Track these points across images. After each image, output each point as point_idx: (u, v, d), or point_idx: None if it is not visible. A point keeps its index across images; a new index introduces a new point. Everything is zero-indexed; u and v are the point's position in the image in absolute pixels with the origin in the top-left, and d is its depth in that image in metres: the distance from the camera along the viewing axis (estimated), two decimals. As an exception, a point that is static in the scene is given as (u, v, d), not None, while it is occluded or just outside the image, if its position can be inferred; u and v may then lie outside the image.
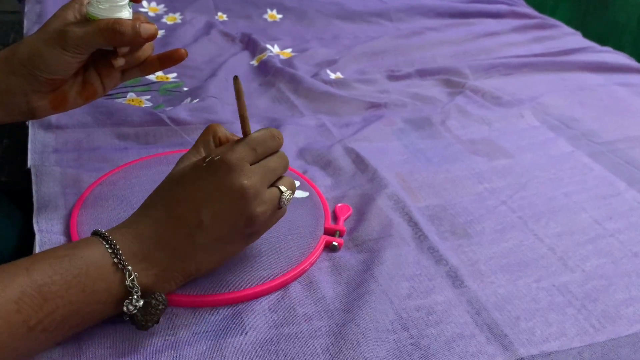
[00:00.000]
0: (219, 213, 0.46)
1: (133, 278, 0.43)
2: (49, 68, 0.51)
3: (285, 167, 0.50)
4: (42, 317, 0.40)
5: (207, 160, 0.47)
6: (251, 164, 0.47)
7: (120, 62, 0.54)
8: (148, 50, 0.56)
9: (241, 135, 0.50)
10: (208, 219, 0.46)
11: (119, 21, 0.50)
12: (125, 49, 0.54)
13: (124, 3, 0.51)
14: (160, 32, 1.05)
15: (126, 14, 0.52)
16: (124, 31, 0.50)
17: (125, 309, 0.43)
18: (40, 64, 0.50)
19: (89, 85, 0.56)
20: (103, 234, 0.45)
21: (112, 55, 0.54)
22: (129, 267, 0.44)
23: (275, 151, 0.50)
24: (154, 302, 0.44)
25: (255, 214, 0.46)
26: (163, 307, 0.44)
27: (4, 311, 0.38)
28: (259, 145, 0.48)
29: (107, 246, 0.44)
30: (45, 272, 0.41)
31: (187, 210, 0.46)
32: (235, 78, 0.48)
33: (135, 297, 0.43)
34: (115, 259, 0.43)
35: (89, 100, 0.57)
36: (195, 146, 0.50)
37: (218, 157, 0.47)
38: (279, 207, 0.49)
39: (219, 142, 0.51)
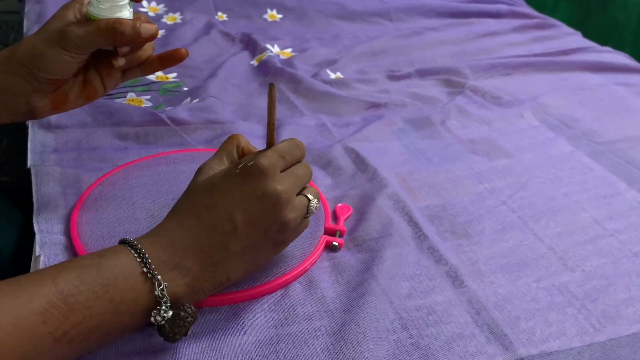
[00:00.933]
0: (253, 218, 0.45)
1: (163, 288, 0.42)
2: (49, 68, 0.51)
3: (310, 175, 0.51)
4: (68, 328, 0.39)
5: (240, 166, 0.46)
6: (281, 172, 0.47)
7: (120, 62, 0.54)
8: (149, 50, 0.56)
9: (256, 146, 0.50)
10: (242, 224, 0.45)
11: (119, 21, 0.50)
12: (125, 49, 0.54)
13: (124, 3, 0.51)
14: (160, 32, 1.05)
15: (126, 13, 0.52)
16: (124, 31, 0.50)
17: (152, 319, 0.42)
18: (40, 64, 0.50)
19: (90, 85, 0.56)
20: (131, 242, 0.44)
21: (113, 55, 0.54)
22: (159, 277, 0.42)
23: (299, 160, 0.50)
24: (182, 314, 0.43)
25: (288, 219, 0.46)
26: (192, 319, 0.43)
27: (30, 323, 0.37)
28: (287, 154, 0.48)
29: (135, 255, 0.43)
30: (72, 282, 0.40)
31: (221, 217, 0.45)
32: (272, 85, 0.48)
33: (164, 307, 0.42)
34: (144, 268, 0.42)
35: (90, 100, 0.57)
36: (218, 155, 0.50)
37: (252, 162, 0.46)
38: (306, 215, 0.49)
39: (242, 153, 0.51)
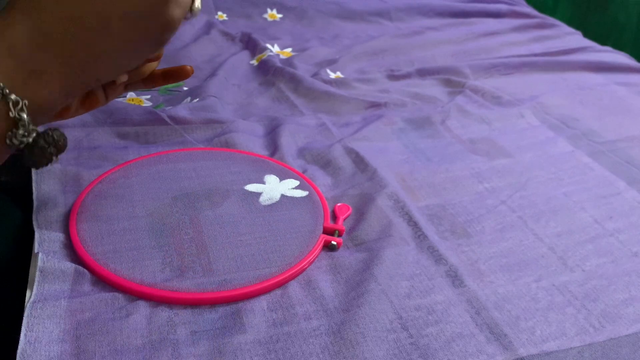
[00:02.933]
0: (131, 14, 0.38)
1: (22, 106, 0.36)
2: None
3: None
4: None
5: None
6: None
7: (123, 78, 0.53)
8: (153, 65, 0.55)
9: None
10: (116, 21, 0.38)
11: None
12: None
13: None
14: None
15: None
16: None
17: (8, 141, 0.37)
18: None
19: (91, 95, 0.54)
20: None
21: None
22: (12, 97, 0.36)
23: None
24: (41, 142, 0.38)
25: (173, 17, 0.41)
26: (55, 149, 0.39)
27: None
28: None
29: None
30: None
31: (90, 9, 0.38)
32: None
33: (20, 131, 0.37)
34: None
35: (90, 109, 0.55)
36: None
37: None
38: (187, 17, 0.43)
39: None
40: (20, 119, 0.37)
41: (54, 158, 0.39)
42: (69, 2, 0.37)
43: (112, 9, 0.38)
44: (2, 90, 0.36)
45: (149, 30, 0.40)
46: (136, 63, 0.44)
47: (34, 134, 0.37)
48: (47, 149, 0.39)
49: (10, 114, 0.36)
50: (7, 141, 0.37)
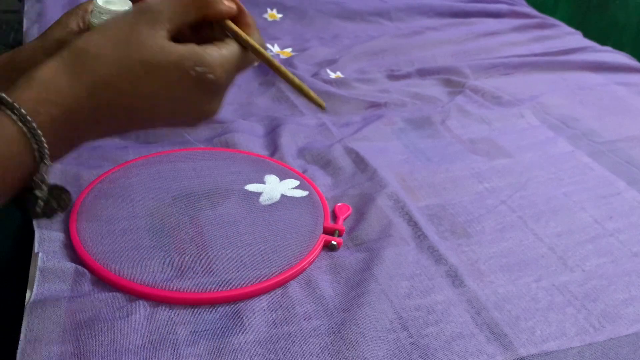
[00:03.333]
0: (175, 117, 0.42)
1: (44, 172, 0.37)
2: None
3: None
4: None
5: (196, 69, 0.40)
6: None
7: None
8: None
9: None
10: (161, 125, 0.42)
11: None
12: None
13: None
14: (160, 31, 1.05)
15: None
16: None
17: (33, 183, 0.38)
18: None
19: None
20: (8, 102, 0.37)
21: None
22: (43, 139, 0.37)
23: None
24: (54, 203, 0.39)
25: (212, 111, 0.43)
26: (60, 207, 0.40)
27: None
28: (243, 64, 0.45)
29: (27, 134, 0.36)
30: None
31: (143, 117, 0.41)
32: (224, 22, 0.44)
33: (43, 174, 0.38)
34: (36, 153, 0.37)
35: None
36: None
37: (211, 75, 0.41)
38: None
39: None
40: (43, 160, 0.37)
41: (56, 214, 0.41)
42: (129, 99, 0.39)
43: (163, 117, 0.41)
44: (34, 131, 0.36)
45: (189, 117, 0.43)
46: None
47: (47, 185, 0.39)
48: (53, 202, 0.40)
49: (36, 154, 0.37)
50: (32, 183, 0.38)
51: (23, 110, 0.36)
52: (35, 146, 0.37)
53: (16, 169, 0.37)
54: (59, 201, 0.40)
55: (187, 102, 0.41)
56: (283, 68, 0.46)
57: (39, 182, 0.38)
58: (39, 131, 0.36)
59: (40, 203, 0.39)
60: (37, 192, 0.38)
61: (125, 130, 0.42)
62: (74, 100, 0.38)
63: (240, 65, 0.44)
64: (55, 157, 0.38)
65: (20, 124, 0.36)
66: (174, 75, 0.39)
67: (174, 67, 0.39)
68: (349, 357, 0.46)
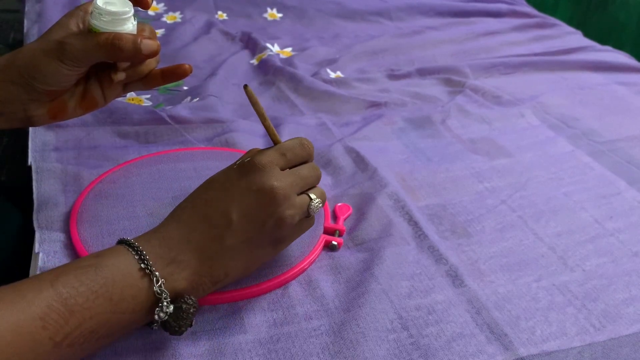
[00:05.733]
0: (248, 213, 0.46)
1: (161, 284, 0.42)
2: (47, 80, 0.49)
3: (318, 178, 0.51)
4: (69, 331, 0.38)
5: (237, 163, 0.48)
6: (282, 169, 0.48)
7: (120, 76, 0.53)
8: (152, 64, 0.55)
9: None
10: (237, 219, 0.45)
11: (118, 36, 0.48)
12: (125, 64, 0.53)
13: (127, 16, 0.49)
14: (160, 31, 1.05)
15: (129, 26, 0.50)
16: (124, 47, 0.48)
17: (156, 316, 0.42)
18: (38, 75, 0.49)
19: (90, 95, 0.54)
20: (128, 241, 0.44)
21: (113, 68, 0.53)
22: (157, 273, 0.42)
23: (305, 160, 0.50)
24: (184, 305, 0.43)
25: (284, 216, 0.46)
26: (194, 309, 0.43)
27: (30, 329, 0.37)
28: (288, 152, 0.49)
29: (132, 252, 0.43)
30: (70, 284, 0.39)
31: (216, 210, 0.46)
32: (245, 86, 0.48)
33: (164, 303, 0.42)
34: (142, 265, 0.42)
35: (89, 110, 0.55)
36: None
37: (248, 159, 0.47)
38: (307, 215, 0.49)
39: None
40: (162, 292, 0.42)
41: (193, 318, 0.44)
42: (201, 204, 0.47)
43: (235, 210, 0.45)
44: (150, 267, 0.42)
45: (265, 226, 0.46)
46: (260, 260, 0.49)
47: (173, 305, 0.43)
48: (190, 309, 0.43)
49: (154, 288, 0.42)
50: (156, 316, 0.42)
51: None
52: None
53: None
54: (194, 303, 0.44)
55: (247, 198, 0.46)
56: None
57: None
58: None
59: (179, 314, 0.43)
60: (166, 307, 0.43)
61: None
62: None
63: (285, 151, 0.49)
64: (166, 277, 0.44)
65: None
66: (223, 177, 0.49)
67: (221, 173, 0.49)
68: (349, 357, 0.46)
